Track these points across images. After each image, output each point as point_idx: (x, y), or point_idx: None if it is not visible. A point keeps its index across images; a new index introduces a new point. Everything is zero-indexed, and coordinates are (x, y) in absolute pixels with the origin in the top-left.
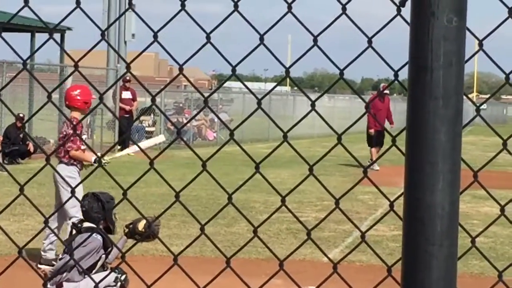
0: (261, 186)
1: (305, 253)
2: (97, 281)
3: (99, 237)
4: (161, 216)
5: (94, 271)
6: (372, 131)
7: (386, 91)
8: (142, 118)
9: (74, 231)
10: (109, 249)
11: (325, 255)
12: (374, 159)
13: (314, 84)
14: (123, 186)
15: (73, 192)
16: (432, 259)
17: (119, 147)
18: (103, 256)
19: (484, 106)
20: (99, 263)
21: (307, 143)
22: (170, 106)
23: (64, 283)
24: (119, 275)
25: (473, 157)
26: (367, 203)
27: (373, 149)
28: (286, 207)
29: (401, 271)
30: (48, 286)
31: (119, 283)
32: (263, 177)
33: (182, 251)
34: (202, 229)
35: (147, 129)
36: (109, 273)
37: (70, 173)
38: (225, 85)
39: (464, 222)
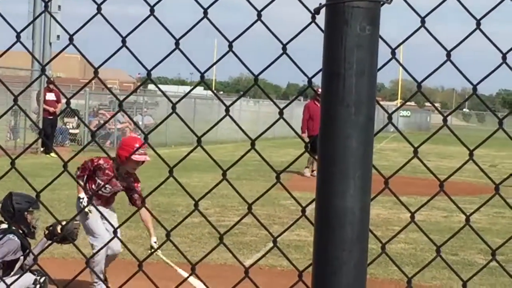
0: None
1: (226, 257)
2: (16, 284)
3: (16, 238)
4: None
5: (12, 273)
6: (304, 135)
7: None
8: (66, 120)
9: None
10: (27, 251)
11: (237, 259)
12: (314, 165)
13: (240, 88)
14: (44, 188)
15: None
16: (342, 265)
17: (42, 148)
18: (21, 258)
19: (407, 113)
20: (17, 265)
21: (232, 147)
22: (95, 109)
23: None
24: (39, 277)
25: (395, 164)
26: (289, 208)
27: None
28: (199, 211)
29: (311, 276)
30: None
31: (38, 286)
32: (177, 181)
33: (95, 253)
34: (115, 232)
35: (71, 131)
36: (23, 275)
37: (79, 202)
38: (150, 88)
39: (385, 228)
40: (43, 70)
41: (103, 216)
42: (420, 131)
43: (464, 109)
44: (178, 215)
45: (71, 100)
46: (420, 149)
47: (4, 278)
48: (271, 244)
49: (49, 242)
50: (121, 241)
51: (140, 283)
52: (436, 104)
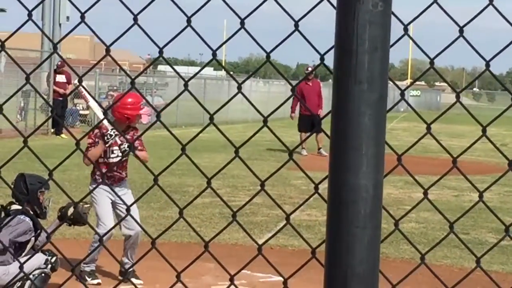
0: (196, 170)
1: (238, 237)
2: (28, 264)
3: (27, 219)
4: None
5: (24, 253)
6: (293, 115)
7: (310, 71)
8: (76, 101)
9: (3, 214)
10: (39, 232)
11: (250, 237)
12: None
13: (249, 69)
14: (56, 167)
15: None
16: (356, 242)
17: (52, 130)
18: (33, 239)
19: (417, 93)
20: (29, 246)
21: (242, 127)
22: (105, 90)
23: None
24: (50, 257)
25: (406, 143)
26: (300, 188)
27: (302, 134)
28: (212, 188)
29: (325, 253)
30: None
31: (49, 265)
32: (190, 159)
33: (107, 232)
34: (127, 210)
35: (81, 112)
36: (34, 255)
37: (91, 186)
38: (160, 69)
39: (397, 207)
40: (55, 48)
41: (115, 199)
42: (430, 111)
43: (474, 89)
44: (189, 196)
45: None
46: (432, 127)
47: (15, 258)
48: (282, 224)
49: (61, 223)
50: (135, 220)
51: (153, 263)
52: (446, 84)
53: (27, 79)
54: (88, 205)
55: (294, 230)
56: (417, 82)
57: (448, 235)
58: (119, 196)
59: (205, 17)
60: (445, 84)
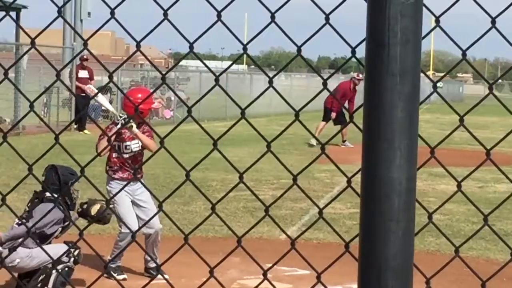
0: (218, 164)
1: (262, 231)
2: (51, 251)
3: (60, 209)
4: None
5: (48, 242)
6: (333, 114)
7: (361, 79)
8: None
9: (36, 199)
10: (66, 223)
11: (283, 231)
12: (318, 132)
13: (271, 62)
14: (89, 163)
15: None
16: (390, 235)
17: (75, 126)
18: (60, 229)
19: (440, 84)
20: (55, 235)
21: (264, 121)
22: (127, 85)
23: (19, 248)
24: (73, 250)
25: (429, 135)
26: (324, 181)
27: (320, 124)
28: (244, 183)
29: (358, 247)
30: (0, 249)
31: (72, 258)
32: (221, 153)
33: (139, 229)
34: (160, 206)
35: (103, 107)
36: (64, 246)
37: (108, 185)
38: (181, 63)
39: (421, 199)
40: (85, 45)
41: (133, 198)
42: (453, 102)
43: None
44: (213, 190)
45: (103, 77)
46: (454, 119)
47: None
48: (306, 218)
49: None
50: (167, 215)
51: (178, 257)
52: (469, 75)
53: (58, 75)
54: (112, 206)
55: (328, 225)
56: (439, 74)
57: (483, 227)
58: (144, 186)
59: (226, 10)
60: (467, 75)
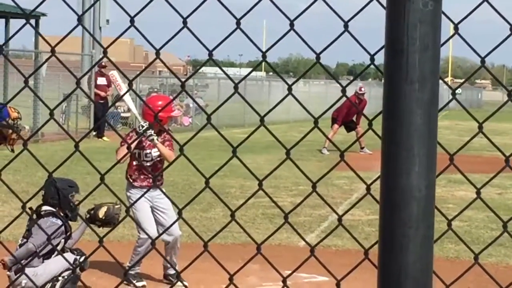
0: (237, 171)
1: (281, 238)
2: (55, 265)
3: (59, 221)
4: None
5: (53, 255)
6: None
7: (363, 92)
8: (117, 104)
9: (34, 216)
10: (68, 234)
11: (303, 238)
12: (331, 137)
13: (289, 69)
14: (109, 170)
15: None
16: (409, 242)
17: (94, 133)
18: (62, 241)
19: (459, 91)
20: (58, 248)
21: (283, 128)
22: (145, 92)
23: (25, 269)
24: (78, 257)
25: (448, 142)
26: (343, 188)
27: (335, 126)
28: (264, 190)
29: (378, 254)
30: (7, 273)
31: (78, 266)
32: (240, 160)
33: (158, 236)
34: (180, 213)
35: (122, 114)
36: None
37: (128, 192)
38: (200, 70)
39: (440, 206)
40: (105, 52)
41: (153, 204)
42: (471, 108)
43: None
44: (231, 197)
45: (122, 84)
46: (473, 126)
47: (45, 260)
48: (325, 224)
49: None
50: (186, 222)
51: (197, 264)
52: (487, 81)
53: (78, 83)
54: (119, 206)
55: (346, 231)
56: (458, 80)
57: (502, 234)
58: (163, 192)
59: (245, 18)
60: (486, 82)
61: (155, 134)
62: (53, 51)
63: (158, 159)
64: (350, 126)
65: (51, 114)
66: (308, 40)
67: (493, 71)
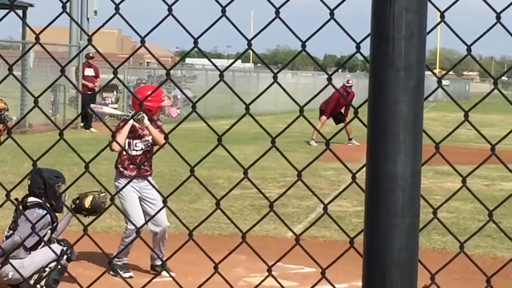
0: (225, 162)
1: (268, 229)
2: (42, 256)
3: (45, 212)
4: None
5: (39, 247)
6: (324, 109)
7: (351, 85)
8: (105, 95)
9: (20, 207)
10: (55, 224)
11: (288, 227)
12: (319, 128)
13: (277, 60)
14: (92, 159)
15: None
16: (394, 230)
17: (81, 124)
18: (49, 232)
19: (447, 82)
20: (45, 239)
21: (270, 119)
22: (133, 83)
23: (10, 260)
24: (65, 248)
25: (436, 133)
26: (330, 179)
27: (321, 120)
28: (249, 179)
29: (363, 242)
30: None
31: (65, 256)
32: (226, 149)
33: (142, 225)
34: (164, 202)
35: (110, 105)
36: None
37: (116, 181)
38: (188, 61)
39: (427, 198)
40: (89, 41)
41: (141, 195)
42: (459, 100)
43: (503, 78)
44: (219, 188)
45: (109, 75)
46: (460, 117)
47: (31, 251)
48: (312, 215)
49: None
50: (172, 212)
51: (185, 256)
52: (475, 73)
53: (62, 71)
54: (104, 194)
55: (333, 221)
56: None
57: (487, 224)
58: (151, 183)
59: (231, 7)
60: (474, 73)
61: (144, 114)
62: (37, 39)
63: (148, 149)
64: (338, 118)
65: (36, 102)
66: (296, 30)
67: (481, 63)
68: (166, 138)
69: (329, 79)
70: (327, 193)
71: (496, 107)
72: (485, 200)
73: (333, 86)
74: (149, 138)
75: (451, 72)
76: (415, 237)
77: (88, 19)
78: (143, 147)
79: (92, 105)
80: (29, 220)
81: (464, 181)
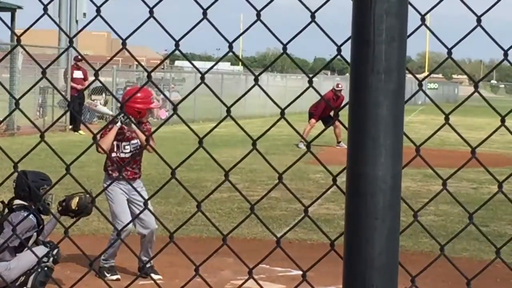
0: (213, 165)
1: (256, 232)
2: (28, 258)
3: (31, 215)
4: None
5: (26, 249)
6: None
7: (341, 89)
8: (93, 97)
9: (6, 210)
10: (41, 227)
11: (269, 230)
12: (306, 134)
13: (267, 63)
14: (74, 164)
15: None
16: (375, 233)
17: (70, 126)
18: (35, 234)
19: (435, 86)
20: (31, 241)
21: (260, 122)
22: (122, 86)
23: None
24: (51, 250)
25: (424, 136)
26: (318, 182)
27: (310, 123)
28: (230, 182)
29: (343, 245)
30: None
31: (51, 258)
32: (207, 152)
33: (126, 225)
34: (145, 204)
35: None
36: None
37: (105, 183)
38: (177, 64)
39: (415, 200)
40: (71, 42)
41: (130, 197)
42: (448, 103)
43: (492, 81)
44: (207, 191)
45: (99, 106)
46: (449, 118)
47: (17, 254)
48: (300, 218)
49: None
50: (153, 213)
51: (173, 258)
52: (464, 76)
53: (43, 73)
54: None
55: (313, 223)
56: (435, 75)
57: (467, 226)
58: (134, 188)
59: (221, 10)
60: (463, 77)
61: (129, 117)
62: (18, 40)
63: (137, 151)
64: (327, 121)
65: (17, 104)
66: (285, 34)
67: (470, 66)
68: (147, 140)
69: (310, 82)
70: (315, 196)
71: (485, 111)
72: (473, 203)
73: (314, 89)
74: (137, 141)
75: (440, 75)
76: (395, 240)
77: (77, 21)
78: (132, 149)
79: (87, 101)
80: (11, 223)
81: (444, 184)
